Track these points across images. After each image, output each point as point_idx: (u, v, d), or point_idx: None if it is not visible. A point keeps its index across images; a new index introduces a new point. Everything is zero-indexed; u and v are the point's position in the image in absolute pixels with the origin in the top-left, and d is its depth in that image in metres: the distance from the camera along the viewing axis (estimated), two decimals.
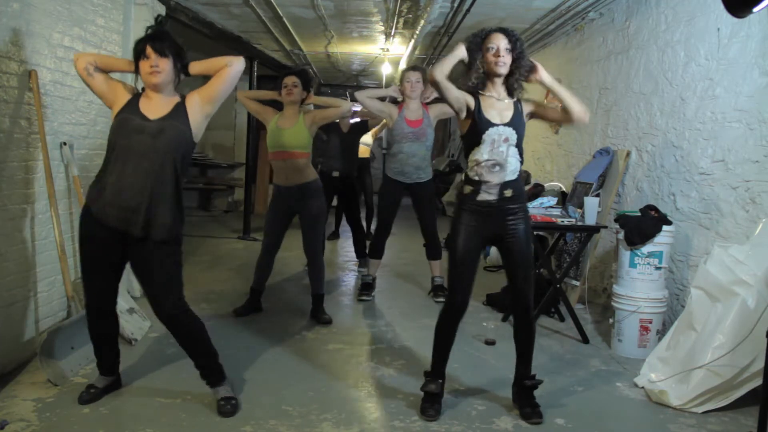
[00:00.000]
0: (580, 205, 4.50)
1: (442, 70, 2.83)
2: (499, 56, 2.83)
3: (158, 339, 3.84)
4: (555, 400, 3.06)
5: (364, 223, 8.06)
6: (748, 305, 2.98)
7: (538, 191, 5.12)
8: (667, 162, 4.34)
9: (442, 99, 3.00)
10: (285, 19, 6.38)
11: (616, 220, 4.01)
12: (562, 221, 4.22)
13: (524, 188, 3.05)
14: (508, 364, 3.10)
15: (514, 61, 2.87)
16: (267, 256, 4.45)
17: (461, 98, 2.88)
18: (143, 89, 2.84)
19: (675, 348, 3.29)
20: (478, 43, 2.88)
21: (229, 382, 3.02)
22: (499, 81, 2.92)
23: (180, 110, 2.79)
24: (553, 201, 4.61)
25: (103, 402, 2.92)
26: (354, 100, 4.95)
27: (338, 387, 3.26)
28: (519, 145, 2.92)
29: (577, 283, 4.88)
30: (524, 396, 2.98)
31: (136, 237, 2.71)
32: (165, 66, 2.73)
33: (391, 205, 4.96)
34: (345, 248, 6.76)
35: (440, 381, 2.99)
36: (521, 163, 2.94)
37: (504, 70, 2.87)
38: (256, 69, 7.96)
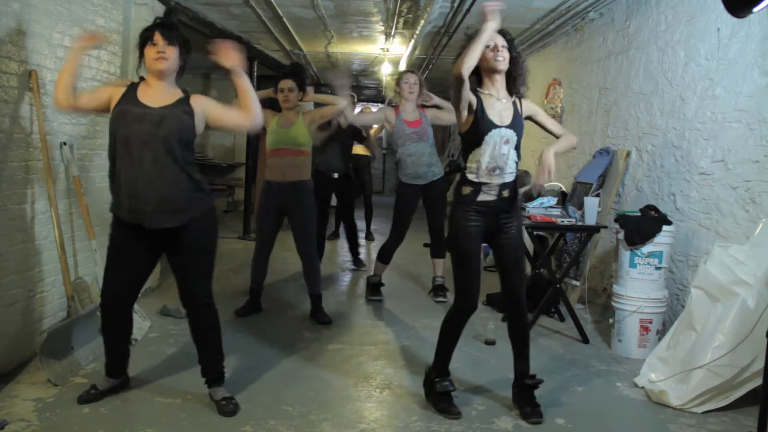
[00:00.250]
0: (580, 205, 4.50)
1: (468, 66, 2.70)
2: (497, 51, 2.83)
3: (158, 339, 3.84)
4: (555, 400, 3.06)
5: (364, 224, 8.10)
6: (748, 305, 2.98)
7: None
8: (667, 162, 4.34)
9: (451, 98, 2.87)
10: (285, 19, 6.38)
11: (616, 220, 4.01)
12: (562, 221, 4.22)
13: (518, 187, 3.05)
14: (508, 364, 3.10)
15: (512, 60, 2.87)
16: (262, 256, 4.45)
17: (468, 96, 2.84)
18: (141, 78, 2.83)
19: (675, 348, 3.29)
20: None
21: (227, 384, 3.02)
22: (499, 79, 2.90)
23: (183, 103, 2.78)
24: (553, 201, 4.61)
25: (103, 402, 2.91)
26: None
27: (338, 387, 3.26)
28: (518, 146, 2.93)
29: (577, 283, 4.88)
30: (524, 396, 2.98)
31: (155, 228, 2.72)
32: (171, 54, 2.72)
33: (409, 211, 4.91)
34: (345, 248, 6.75)
35: (451, 379, 2.99)
36: (518, 163, 2.96)
37: (504, 65, 2.86)
38: (256, 69, 7.96)
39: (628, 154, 4.85)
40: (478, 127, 2.86)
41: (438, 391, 2.95)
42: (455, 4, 5.49)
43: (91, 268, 3.85)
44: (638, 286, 3.81)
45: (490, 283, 4.70)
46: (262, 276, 4.50)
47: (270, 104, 4.42)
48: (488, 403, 3.10)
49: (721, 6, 2.45)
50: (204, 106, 2.82)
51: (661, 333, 3.75)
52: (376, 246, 6.81)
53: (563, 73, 6.48)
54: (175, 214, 2.71)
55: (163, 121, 2.67)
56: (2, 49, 3.10)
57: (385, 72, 8.90)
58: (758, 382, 2.75)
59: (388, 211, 6.21)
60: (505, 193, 2.91)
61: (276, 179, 4.32)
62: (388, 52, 7.98)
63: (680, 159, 4.19)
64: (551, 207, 4.49)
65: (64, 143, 3.67)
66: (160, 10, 5.01)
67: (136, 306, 3.98)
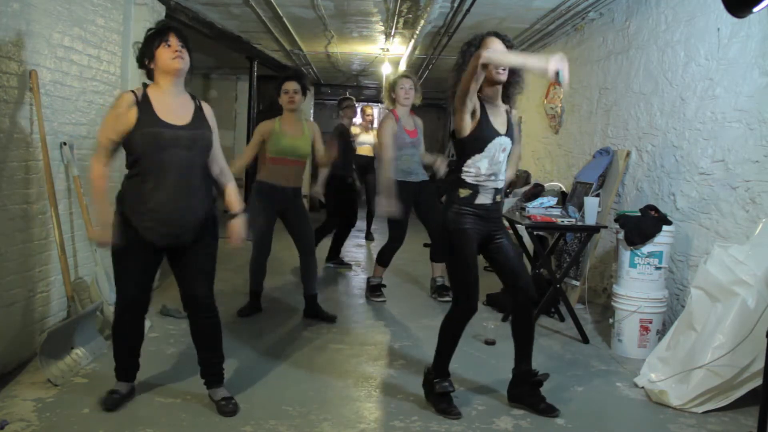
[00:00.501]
0: (580, 205, 4.50)
1: (496, 61, 2.66)
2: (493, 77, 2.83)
3: (158, 339, 3.84)
4: (555, 400, 3.05)
5: (365, 224, 8.10)
6: (748, 305, 2.98)
7: (538, 191, 5.11)
8: (667, 162, 4.34)
9: (458, 95, 2.80)
10: (285, 19, 6.38)
11: (616, 220, 4.01)
12: (562, 221, 4.22)
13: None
14: (508, 364, 3.10)
15: (511, 69, 2.87)
16: (262, 259, 4.45)
17: (474, 99, 2.83)
18: (145, 85, 2.76)
19: (675, 348, 3.29)
20: (476, 41, 2.88)
21: (227, 384, 3.02)
22: (498, 87, 2.91)
23: (201, 116, 2.79)
24: (553, 201, 4.61)
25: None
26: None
27: (338, 387, 3.26)
28: (509, 154, 3.00)
29: (577, 283, 4.88)
30: (533, 393, 2.99)
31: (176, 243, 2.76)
32: (186, 54, 2.71)
33: (404, 211, 4.90)
34: (345, 248, 6.74)
35: (450, 379, 3.00)
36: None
37: (504, 77, 2.86)
38: (256, 69, 7.96)
39: (628, 154, 4.85)
40: (482, 134, 2.86)
41: (438, 391, 2.95)
42: (455, 4, 5.49)
43: (91, 268, 3.85)
44: (638, 286, 3.81)
45: (489, 283, 4.70)
46: (262, 277, 4.50)
47: (266, 110, 4.41)
48: (488, 403, 3.10)
49: (721, 6, 2.45)
50: (212, 122, 2.87)
51: (661, 333, 3.75)
52: (376, 246, 6.81)
53: None
54: (196, 228, 2.77)
55: (194, 144, 2.72)
56: (2, 49, 3.09)
57: (385, 72, 8.91)
58: (758, 382, 2.76)
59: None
60: (498, 198, 2.97)
61: (279, 183, 4.31)
62: (388, 52, 7.98)
63: (680, 159, 4.19)
64: (551, 207, 4.49)
65: (64, 143, 3.67)
66: (160, 10, 5.01)
67: None
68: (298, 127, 4.33)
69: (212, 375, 2.96)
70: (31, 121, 3.36)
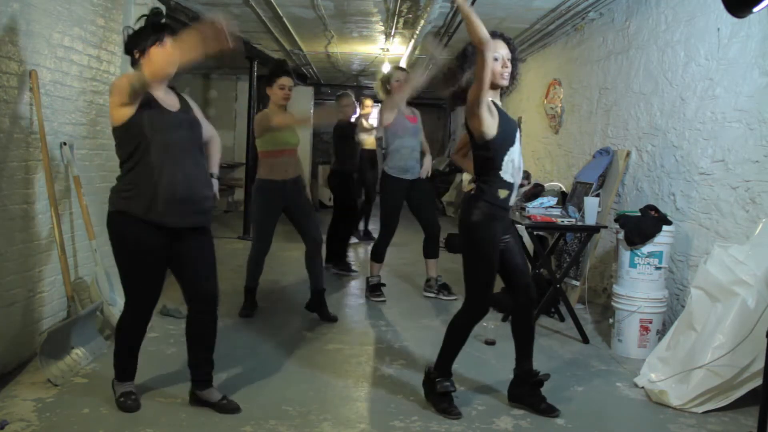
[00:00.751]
0: (580, 205, 4.50)
1: (486, 33, 2.60)
2: (506, 66, 2.83)
3: (158, 339, 3.84)
4: (555, 400, 3.05)
5: (362, 223, 8.06)
6: (748, 305, 2.98)
7: (538, 191, 5.11)
8: (667, 162, 4.34)
9: (474, 89, 2.74)
10: (285, 19, 6.38)
11: (616, 220, 4.01)
12: (562, 221, 4.22)
13: None
14: (508, 364, 3.10)
15: (512, 66, 2.87)
16: (261, 256, 4.47)
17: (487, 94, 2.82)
18: None
19: (675, 348, 3.29)
20: (475, 49, 2.87)
21: (227, 384, 3.03)
22: (499, 90, 2.92)
23: (186, 103, 2.88)
24: (553, 201, 4.61)
25: (103, 402, 2.91)
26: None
27: (338, 387, 3.26)
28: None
29: (577, 283, 4.88)
30: (533, 393, 2.99)
31: (189, 228, 2.77)
32: (177, 57, 2.72)
33: (397, 208, 4.96)
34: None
35: (452, 379, 3.00)
36: None
37: (507, 82, 2.87)
38: (256, 69, 7.96)
39: (628, 154, 4.85)
40: (508, 127, 2.87)
41: (439, 391, 2.95)
42: (455, 4, 5.48)
43: (91, 268, 3.85)
44: (638, 286, 3.81)
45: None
46: (258, 274, 4.53)
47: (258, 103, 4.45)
48: (488, 403, 3.10)
49: (721, 6, 2.45)
50: (195, 107, 2.95)
51: (661, 333, 3.75)
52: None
53: (563, 73, 6.48)
54: (207, 213, 2.84)
55: (194, 126, 2.81)
56: (2, 49, 3.09)
57: (385, 72, 8.89)
58: (758, 382, 2.75)
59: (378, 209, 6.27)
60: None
61: (280, 177, 4.34)
62: (388, 52, 7.98)
63: (680, 159, 4.19)
64: (551, 207, 4.49)
65: (64, 143, 3.67)
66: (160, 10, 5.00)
67: None
68: (288, 118, 4.46)
69: (207, 375, 2.94)
70: (31, 121, 3.36)
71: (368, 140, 7.88)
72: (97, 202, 3.96)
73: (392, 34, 6.97)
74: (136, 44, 2.74)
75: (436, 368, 3.00)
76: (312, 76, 11.02)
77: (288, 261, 6.23)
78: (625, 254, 3.85)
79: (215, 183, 2.99)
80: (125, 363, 2.91)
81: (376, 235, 7.94)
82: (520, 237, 4.67)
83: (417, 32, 6.33)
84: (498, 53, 2.80)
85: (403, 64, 8.20)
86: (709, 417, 3.00)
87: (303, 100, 11.06)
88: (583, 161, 5.64)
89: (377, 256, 5.05)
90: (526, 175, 7.28)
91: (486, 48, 2.60)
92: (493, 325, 4.15)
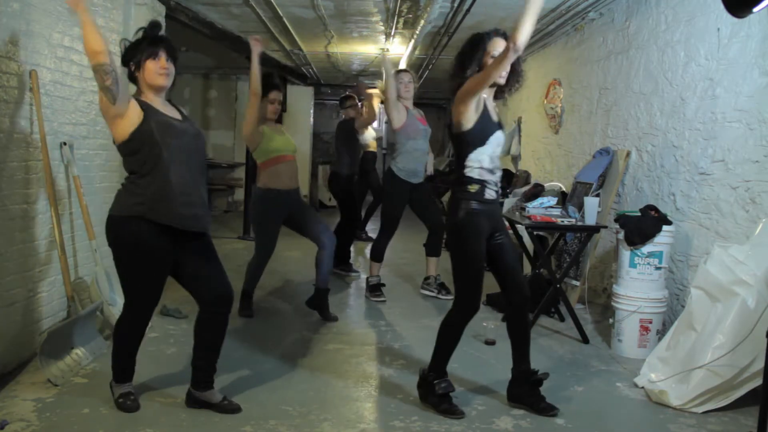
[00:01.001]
0: (580, 205, 4.50)
1: (527, 35, 2.56)
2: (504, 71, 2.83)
3: (158, 339, 3.84)
4: (555, 400, 3.05)
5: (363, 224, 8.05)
6: (748, 305, 2.98)
7: (538, 191, 5.12)
8: (667, 162, 4.34)
9: (474, 85, 2.76)
10: (285, 19, 6.37)
11: (616, 220, 4.01)
12: (562, 221, 4.22)
13: None
14: (507, 364, 3.09)
15: (512, 68, 2.87)
16: (263, 264, 4.48)
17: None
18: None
19: (675, 348, 3.29)
20: (483, 43, 2.88)
21: (227, 384, 3.03)
22: (494, 87, 2.93)
23: (185, 115, 2.91)
24: (553, 201, 4.61)
25: (103, 402, 2.91)
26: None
27: (338, 387, 3.26)
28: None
29: (577, 283, 4.88)
30: (532, 392, 2.99)
31: (194, 233, 2.80)
32: (173, 70, 2.78)
33: (401, 209, 4.98)
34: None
35: (449, 379, 3.00)
36: None
37: (503, 81, 2.88)
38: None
39: (628, 154, 4.85)
40: (485, 127, 2.88)
41: (438, 392, 2.95)
42: (455, 4, 5.49)
43: (91, 268, 3.85)
44: (638, 286, 3.81)
45: (489, 282, 4.71)
46: (257, 280, 4.55)
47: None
48: (488, 403, 3.10)
49: (721, 6, 2.45)
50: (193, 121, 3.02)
51: (661, 333, 3.75)
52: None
53: (563, 73, 6.48)
54: (209, 216, 2.90)
55: (198, 135, 2.88)
56: (2, 49, 3.09)
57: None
58: (758, 382, 2.76)
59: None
60: (499, 191, 3.01)
61: (283, 187, 4.33)
62: (388, 52, 7.97)
63: (680, 159, 4.19)
64: (551, 207, 4.49)
65: (64, 143, 3.67)
66: (160, 10, 5.00)
67: None
68: (279, 127, 4.51)
69: (209, 377, 2.93)
70: (31, 121, 3.36)
71: (371, 142, 7.89)
72: (97, 202, 3.96)
73: (392, 34, 6.96)
74: (131, 57, 2.76)
75: (431, 369, 3.00)
76: (312, 76, 11.01)
77: (289, 261, 6.23)
78: (625, 254, 3.85)
79: None
80: (124, 364, 2.90)
81: (371, 235, 8.03)
82: (520, 237, 4.71)
83: (417, 32, 6.33)
84: (497, 52, 2.81)
85: (403, 64, 8.20)
86: (709, 417, 3.00)
87: (303, 100, 11.07)
88: (583, 161, 5.64)
89: (377, 255, 5.06)
90: (527, 175, 7.29)
91: (513, 52, 2.60)
92: (493, 325, 4.15)
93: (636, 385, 3.36)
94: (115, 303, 3.76)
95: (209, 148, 10.45)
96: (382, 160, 15.17)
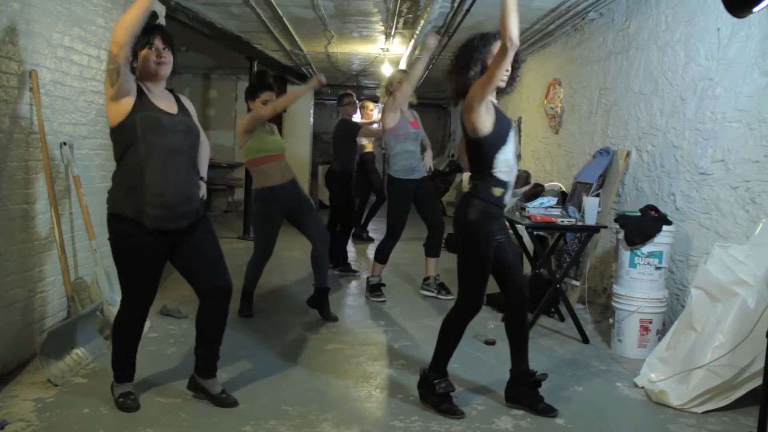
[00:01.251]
0: (580, 205, 4.50)
1: (517, 32, 2.60)
2: (507, 69, 2.83)
3: (158, 339, 3.84)
4: (555, 400, 3.05)
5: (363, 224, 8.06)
6: (748, 305, 2.98)
7: (538, 191, 5.11)
8: (667, 162, 4.34)
9: (479, 87, 2.75)
10: (285, 19, 6.38)
11: (616, 220, 4.01)
12: (562, 221, 4.22)
13: None
14: (508, 364, 3.09)
15: (512, 69, 2.88)
16: (262, 262, 4.49)
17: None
18: None
19: (675, 348, 3.29)
20: (487, 43, 2.88)
21: (228, 385, 3.03)
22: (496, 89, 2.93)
23: (183, 106, 2.87)
24: (553, 201, 4.61)
25: (103, 402, 2.91)
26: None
27: (338, 387, 3.26)
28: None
29: (577, 283, 4.88)
30: (531, 393, 2.99)
31: (191, 224, 2.78)
32: (170, 59, 2.75)
33: (406, 209, 4.98)
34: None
35: (449, 379, 2.99)
36: None
37: (504, 84, 2.88)
38: (256, 69, 7.95)
39: (628, 154, 4.85)
40: (503, 124, 2.88)
41: (439, 392, 2.95)
42: (455, 4, 5.49)
43: (91, 268, 3.85)
44: (638, 286, 3.81)
45: (489, 282, 4.72)
46: (257, 279, 4.55)
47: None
48: (488, 403, 3.10)
49: (721, 6, 2.45)
50: (192, 110, 2.97)
51: (661, 333, 3.75)
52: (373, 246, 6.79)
53: (563, 73, 6.48)
54: (194, 212, 2.81)
55: (190, 130, 2.80)
56: (2, 49, 3.09)
57: (386, 72, 8.90)
58: (758, 382, 2.76)
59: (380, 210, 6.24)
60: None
61: (278, 183, 4.35)
62: (388, 52, 7.98)
63: (680, 159, 4.19)
64: (551, 207, 4.49)
65: (64, 143, 3.67)
66: (160, 9, 5.01)
67: None
68: (270, 127, 4.51)
69: (212, 365, 2.96)
70: (31, 121, 3.36)
71: (367, 143, 7.89)
72: (97, 202, 3.95)
73: (392, 34, 6.96)
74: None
75: (432, 369, 3.00)
76: (312, 76, 11.01)
77: (289, 261, 6.24)
78: (625, 254, 3.85)
79: (203, 186, 2.97)
80: (123, 363, 2.91)
81: (371, 235, 8.04)
82: (520, 237, 4.71)
83: (417, 32, 6.33)
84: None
85: (403, 64, 8.20)
86: (709, 417, 3.00)
87: (303, 100, 11.07)
88: (583, 161, 5.64)
89: (381, 257, 5.05)
90: (527, 175, 7.30)
91: (511, 47, 2.60)
92: (493, 325, 4.15)
93: (636, 385, 3.36)
94: (115, 303, 3.76)
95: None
96: (382, 160, 15.21)
